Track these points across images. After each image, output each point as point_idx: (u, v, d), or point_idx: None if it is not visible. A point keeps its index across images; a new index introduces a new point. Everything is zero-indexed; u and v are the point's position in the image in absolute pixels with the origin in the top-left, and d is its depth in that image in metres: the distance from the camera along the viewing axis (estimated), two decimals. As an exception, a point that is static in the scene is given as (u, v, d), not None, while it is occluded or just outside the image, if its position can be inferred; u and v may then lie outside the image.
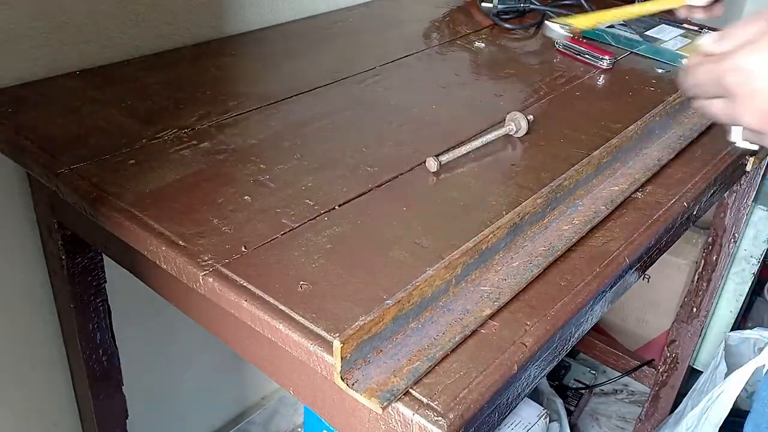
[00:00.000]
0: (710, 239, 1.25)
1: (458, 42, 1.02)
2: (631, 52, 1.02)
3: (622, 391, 1.65)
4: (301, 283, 0.52)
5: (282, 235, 0.57)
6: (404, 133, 0.75)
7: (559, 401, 1.45)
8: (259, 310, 0.50)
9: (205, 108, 0.76)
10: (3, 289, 0.84)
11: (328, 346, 0.46)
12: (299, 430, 1.39)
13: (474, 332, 0.49)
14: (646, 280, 1.53)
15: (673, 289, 1.51)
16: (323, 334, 0.48)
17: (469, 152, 0.71)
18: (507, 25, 1.09)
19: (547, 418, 1.25)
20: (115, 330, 0.87)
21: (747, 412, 1.30)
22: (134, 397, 0.94)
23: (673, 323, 1.37)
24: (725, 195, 1.19)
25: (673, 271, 1.49)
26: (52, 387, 0.94)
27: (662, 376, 1.41)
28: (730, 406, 1.14)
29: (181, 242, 0.55)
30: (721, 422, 1.15)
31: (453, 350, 0.47)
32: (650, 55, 1.01)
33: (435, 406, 0.43)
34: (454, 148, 0.71)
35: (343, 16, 1.08)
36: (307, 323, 0.48)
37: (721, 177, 0.75)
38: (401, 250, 0.57)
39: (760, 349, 1.20)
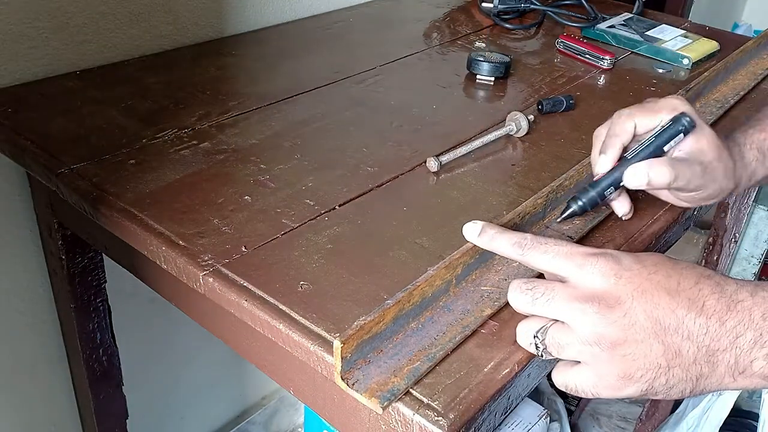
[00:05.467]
0: (711, 239, 1.24)
1: (458, 42, 1.02)
2: (632, 52, 1.02)
3: (622, 391, 1.65)
4: (302, 283, 0.52)
5: (282, 235, 0.57)
6: (404, 133, 0.75)
7: (559, 401, 1.44)
8: (259, 310, 0.50)
9: (205, 108, 0.76)
10: (3, 288, 0.84)
11: (328, 346, 0.46)
12: (299, 430, 1.39)
13: (474, 332, 0.49)
14: (646, 280, 1.53)
15: (674, 289, 1.50)
16: (323, 334, 0.47)
17: (470, 152, 0.71)
18: (507, 25, 1.09)
19: (548, 418, 1.25)
20: (115, 330, 0.87)
21: (747, 412, 1.30)
22: (134, 397, 0.94)
23: (673, 323, 1.36)
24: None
25: (674, 271, 1.49)
26: (52, 387, 0.94)
27: (663, 376, 1.41)
28: (731, 407, 1.14)
29: (181, 242, 0.55)
30: (722, 422, 1.15)
31: (453, 350, 0.47)
32: (651, 55, 1.01)
33: (435, 406, 0.43)
34: (454, 148, 0.71)
35: (343, 16, 1.08)
36: (307, 323, 0.48)
37: (722, 177, 0.75)
38: (401, 250, 0.57)
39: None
